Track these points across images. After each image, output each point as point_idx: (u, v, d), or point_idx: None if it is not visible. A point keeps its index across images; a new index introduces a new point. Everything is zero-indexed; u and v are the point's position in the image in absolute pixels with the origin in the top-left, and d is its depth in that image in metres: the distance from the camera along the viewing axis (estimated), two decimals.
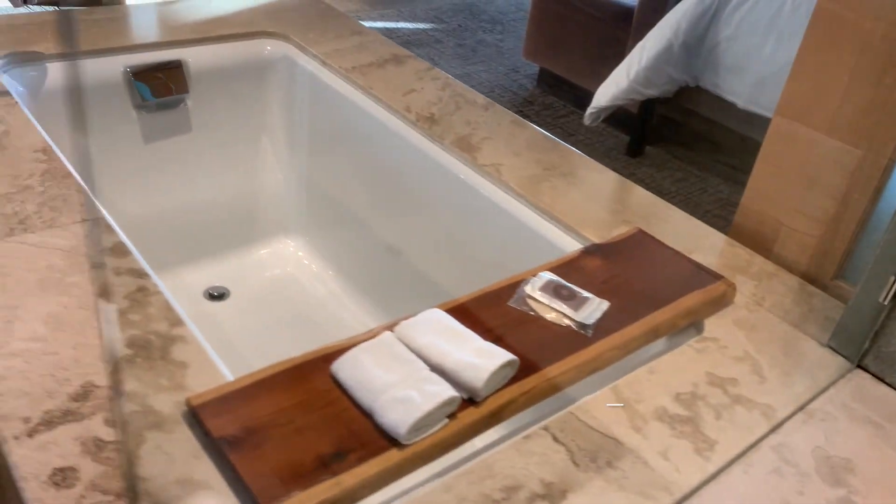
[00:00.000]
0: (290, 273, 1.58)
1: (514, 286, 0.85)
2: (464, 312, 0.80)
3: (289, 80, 1.52)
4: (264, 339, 1.44)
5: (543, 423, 0.72)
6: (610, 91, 2.31)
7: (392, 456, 0.63)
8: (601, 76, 2.44)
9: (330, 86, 1.42)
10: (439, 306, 0.79)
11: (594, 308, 0.82)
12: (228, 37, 1.47)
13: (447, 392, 0.66)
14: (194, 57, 1.43)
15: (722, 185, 2.51)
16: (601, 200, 1.10)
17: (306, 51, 1.47)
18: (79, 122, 1.33)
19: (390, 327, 0.75)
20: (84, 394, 0.66)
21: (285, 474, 0.60)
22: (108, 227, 0.89)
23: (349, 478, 0.60)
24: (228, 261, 1.58)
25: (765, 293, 0.95)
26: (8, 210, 0.88)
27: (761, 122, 2.15)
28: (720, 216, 2.31)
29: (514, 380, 0.72)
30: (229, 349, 1.38)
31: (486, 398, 0.69)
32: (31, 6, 1.22)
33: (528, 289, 0.84)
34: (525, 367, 0.73)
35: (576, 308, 0.82)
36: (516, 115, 1.31)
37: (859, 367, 0.86)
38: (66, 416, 0.64)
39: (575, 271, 0.89)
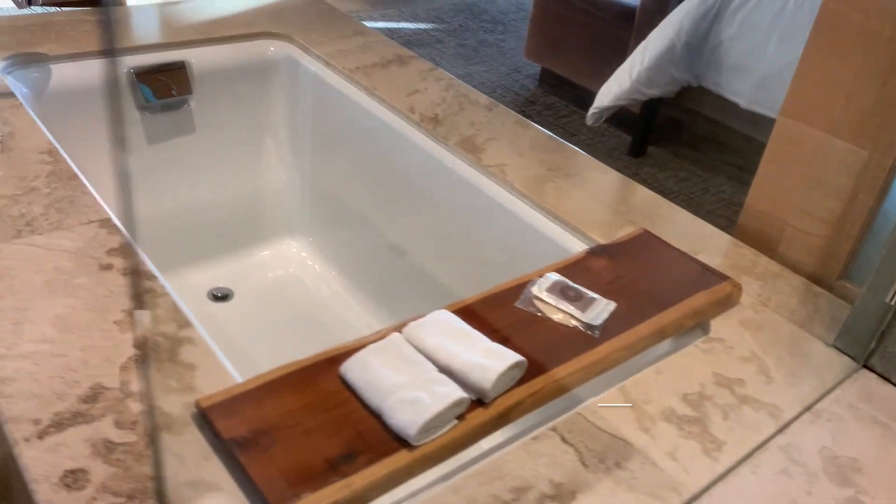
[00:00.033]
0: (294, 274, 1.58)
1: (520, 287, 0.85)
2: (471, 313, 0.80)
3: (292, 80, 1.52)
4: (268, 340, 1.44)
5: (551, 423, 0.72)
6: (612, 91, 2.31)
7: (402, 457, 0.63)
8: (603, 76, 2.44)
9: (333, 86, 1.42)
10: (446, 307, 0.79)
11: (601, 309, 0.82)
12: (231, 38, 1.47)
13: (456, 393, 0.66)
14: (198, 58, 1.43)
15: (724, 184, 2.51)
16: (605, 201, 1.10)
17: (309, 51, 1.47)
18: (83, 123, 1.33)
19: (398, 328, 0.75)
20: (93, 396, 0.66)
21: (295, 476, 0.60)
22: (115, 229, 0.89)
23: (359, 479, 0.60)
24: (232, 261, 1.58)
25: (770, 293, 0.95)
26: (14, 212, 0.89)
27: (764, 122, 2.15)
28: (723, 216, 2.31)
29: (522, 381, 0.72)
30: (233, 350, 1.38)
31: (495, 399, 0.69)
32: (33, 7, 1.22)
33: (534, 290, 0.84)
34: (533, 368, 0.73)
35: (583, 309, 0.82)
36: (520, 116, 1.31)
37: (865, 367, 0.86)
38: (76, 417, 0.64)
39: (581, 272, 0.89)
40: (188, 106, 1.45)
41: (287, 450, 0.62)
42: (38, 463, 0.60)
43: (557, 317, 0.81)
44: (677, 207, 1.11)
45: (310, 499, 0.59)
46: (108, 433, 0.63)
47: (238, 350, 1.39)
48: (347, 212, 1.51)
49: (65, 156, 1.02)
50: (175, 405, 0.67)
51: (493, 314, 0.80)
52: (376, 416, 0.66)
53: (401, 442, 0.64)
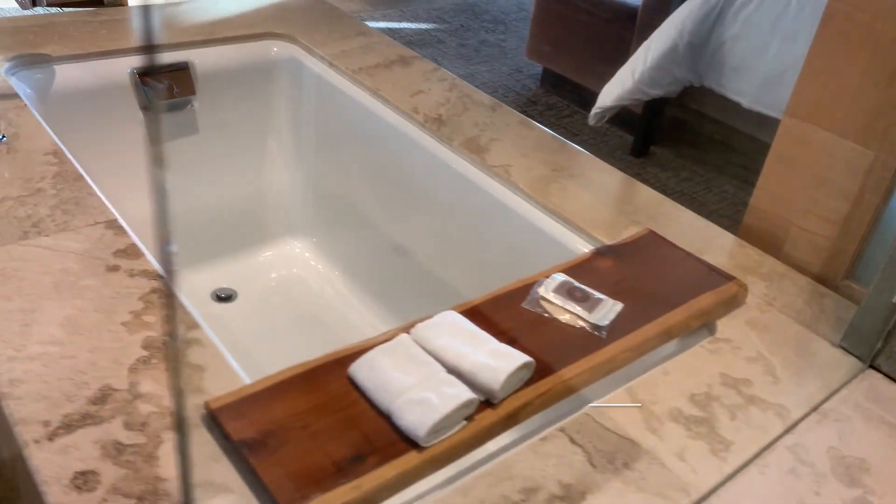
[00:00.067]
0: (297, 274, 1.58)
1: (527, 288, 0.85)
2: (478, 314, 0.80)
3: (295, 81, 1.52)
4: (273, 341, 1.44)
5: (559, 424, 0.72)
6: (615, 91, 2.31)
7: (411, 458, 0.63)
8: (605, 76, 2.44)
9: (337, 87, 1.42)
10: (454, 308, 0.79)
11: (608, 309, 0.82)
12: (234, 38, 1.47)
13: (465, 394, 0.66)
14: (201, 58, 1.43)
15: (727, 184, 2.51)
16: (610, 201, 1.10)
17: (313, 52, 1.47)
18: (87, 124, 1.33)
19: (406, 329, 0.75)
20: (102, 397, 0.66)
21: (305, 477, 0.60)
22: (121, 230, 0.89)
23: (368, 481, 0.60)
24: (235, 262, 1.58)
25: (776, 294, 0.95)
26: (21, 213, 0.89)
27: (766, 122, 2.15)
28: (725, 216, 2.31)
29: (530, 382, 0.72)
30: (237, 350, 1.38)
31: (503, 400, 0.69)
32: (36, 9, 1.22)
33: (541, 290, 0.84)
34: (540, 369, 0.73)
35: (590, 310, 0.82)
36: (523, 116, 1.31)
37: (872, 367, 0.86)
38: (85, 419, 0.64)
39: (587, 272, 0.90)
40: (191, 106, 1.45)
41: (296, 451, 0.62)
42: (49, 465, 0.60)
43: (564, 317, 0.81)
44: (682, 207, 1.11)
45: (319, 500, 0.59)
46: (118, 435, 0.63)
47: (242, 351, 1.39)
48: (351, 212, 1.51)
49: (70, 157, 1.02)
50: (184, 406, 0.67)
51: (500, 315, 0.80)
52: (385, 417, 0.66)
53: (410, 443, 0.64)
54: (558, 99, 3.00)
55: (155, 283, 0.81)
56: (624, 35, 2.61)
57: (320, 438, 0.64)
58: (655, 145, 2.70)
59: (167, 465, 0.61)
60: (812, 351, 0.87)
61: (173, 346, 0.33)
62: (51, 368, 0.68)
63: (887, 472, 0.72)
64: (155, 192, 0.30)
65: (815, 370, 0.84)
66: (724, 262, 0.99)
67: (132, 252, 0.85)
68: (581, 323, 0.80)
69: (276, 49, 1.51)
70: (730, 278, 0.92)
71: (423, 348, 0.72)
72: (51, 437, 0.62)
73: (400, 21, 3.60)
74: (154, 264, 0.84)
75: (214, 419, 0.65)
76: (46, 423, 0.63)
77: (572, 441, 0.70)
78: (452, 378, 0.68)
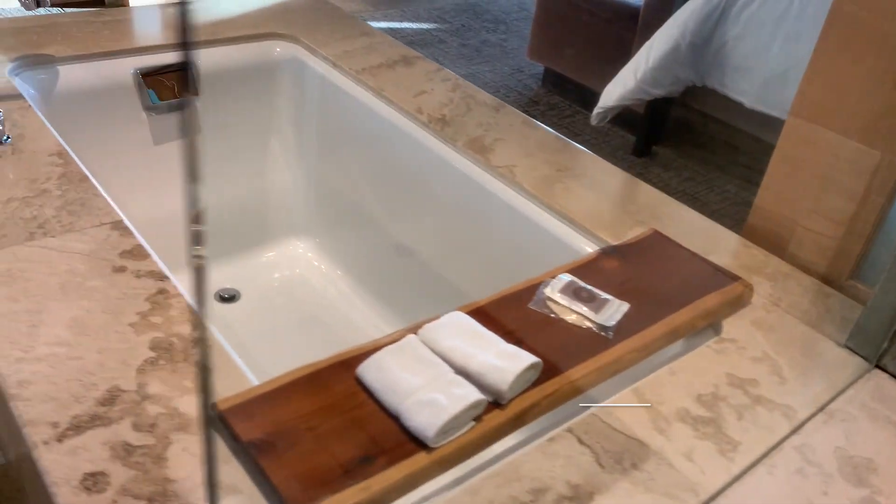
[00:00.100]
0: (300, 274, 1.58)
1: (533, 288, 0.85)
2: (484, 315, 0.80)
3: (298, 81, 1.52)
4: (276, 341, 1.44)
5: (567, 424, 0.72)
6: (617, 91, 2.31)
7: (420, 459, 0.63)
8: (606, 76, 2.44)
9: (340, 87, 1.42)
10: (460, 309, 0.79)
11: (614, 310, 0.82)
12: (237, 38, 1.47)
13: (474, 395, 0.66)
14: (204, 59, 1.43)
15: (728, 184, 2.51)
16: (614, 201, 1.10)
17: (316, 52, 1.47)
18: (91, 124, 1.33)
19: (413, 330, 0.75)
20: (111, 398, 0.66)
21: (314, 479, 0.60)
22: (127, 231, 0.89)
23: (378, 482, 0.60)
24: (238, 262, 1.58)
25: (781, 294, 0.95)
26: (27, 214, 0.89)
27: (769, 122, 2.15)
28: (728, 215, 2.32)
29: (537, 382, 0.72)
30: (242, 351, 1.38)
31: (511, 401, 0.69)
32: (39, 10, 1.22)
33: (547, 291, 0.84)
34: (547, 370, 0.73)
35: (596, 310, 0.82)
36: (527, 116, 1.31)
37: (878, 367, 0.86)
38: (94, 420, 0.64)
39: (593, 273, 0.90)
40: (195, 107, 1.45)
41: (305, 452, 0.62)
42: (58, 466, 0.60)
43: (571, 318, 0.81)
44: (686, 207, 1.11)
45: (328, 501, 0.59)
46: (127, 436, 0.63)
47: (246, 351, 1.40)
48: (354, 213, 1.51)
49: (74, 157, 1.02)
50: (191, 406, 0.67)
51: (506, 315, 0.80)
52: (393, 418, 0.66)
53: (418, 444, 0.64)
54: (560, 99, 3.00)
55: (161, 284, 0.81)
56: (626, 35, 2.61)
57: (328, 440, 0.64)
58: (657, 145, 2.70)
59: (176, 466, 0.61)
60: (818, 351, 0.87)
61: (202, 347, 0.33)
62: (58, 370, 0.68)
63: (894, 472, 0.72)
64: (188, 190, 0.30)
65: (821, 370, 0.84)
66: (729, 262, 0.99)
67: (138, 253, 0.85)
68: (588, 323, 0.80)
69: (279, 49, 1.51)
70: (735, 278, 0.92)
71: (431, 349, 0.72)
72: (60, 439, 0.62)
73: (401, 21, 3.60)
74: (160, 265, 0.84)
75: (223, 420, 0.65)
76: (55, 425, 0.63)
77: (580, 441, 0.70)
78: (461, 379, 0.68)
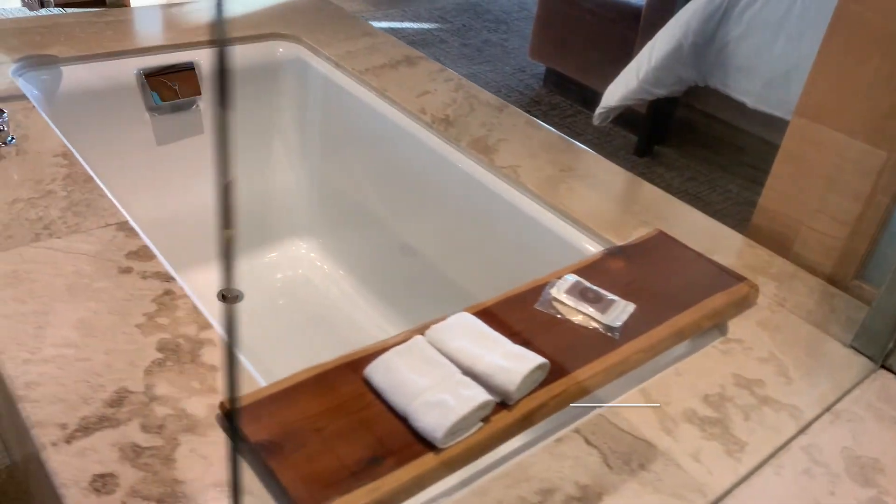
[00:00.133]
0: (303, 275, 1.58)
1: (539, 289, 0.85)
2: (491, 315, 0.80)
3: (301, 82, 1.52)
4: (279, 341, 1.44)
5: (574, 425, 0.72)
6: (619, 91, 2.31)
7: (428, 460, 0.63)
8: (608, 76, 2.44)
9: (343, 88, 1.42)
10: (466, 309, 0.79)
11: (620, 310, 0.82)
12: (240, 39, 1.47)
13: (482, 396, 0.66)
14: (207, 59, 1.43)
15: (730, 183, 2.51)
16: (618, 201, 1.10)
17: (319, 53, 1.47)
18: (95, 125, 1.33)
19: (420, 331, 0.75)
20: (119, 399, 0.66)
21: (323, 480, 0.60)
22: (132, 231, 0.89)
23: (387, 483, 0.60)
24: (241, 263, 1.58)
25: (786, 294, 0.95)
26: (32, 215, 0.89)
27: (771, 121, 2.15)
28: (729, 215, 2.32)
29: (544, 383, 0.72)
30: (245, 351, 1.38)
31: (518, 401, 0.69)
32: (43, 10, 1.22)
33: (553, 291, 0.84)
34: (554, 370, 0.73)
35: (602, 311, 0.82)
36: (530, 116, 1.31)
37: (883, 367, 0.86)
38: (102, 422, 0.64)
39: (599, 273, 0.90)
40: (197, 107, 1.45)
41: (314, 454, 0.62)
42: (67, 467, 0.60)
43: (577, 318, 0.81)
44: (690, 207, 1.11)
45: (338, 503, 0.59)
46: (135, 437, 0.63)
47: (249, 351, 1.39)
48: (357, 213, 1.51)
49: (79, 158, 1.02)
50: (199, 407, 0.67)
51: (513, 316, 0.80)
52: (401, 418, 0.66)
53: (426, 445, 0.64)
54: (562, 98, 3.00)
55: (167, 285, 0.81)
56: (628, 35, 2.61)
57: (337, 441, 0.64)
58: (659, 145, 2.70)
59: (185, 467, 0.61)
60: (823, 351, 0.87)
61: (230, 342, 0.33)
62: (66, 371, 0.68)
63: None
64: (220, 180, 0.30)
65: (826, 370, 0.84)
66: (733, 263, 0.99)
67: (144, 254, 0.85)
68: (594, 324, 0.80)
69: (282, 50, 1.51)
70: (741, 279, 0.92)
71: (438, 350, 0.72)
72: (68, 440, 0.62)
73: (402, 21, 3.60)
74: (166, 266, 0.84)
75: (231, 421, 0.65)
76: (64, 426, 0.63)
77: (588, 442, 0.70)
78: (468, 380, 0.68)
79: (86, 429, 0.63)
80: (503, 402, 0.69)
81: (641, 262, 0.93)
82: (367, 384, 0.69)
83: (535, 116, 1.32)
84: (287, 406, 0.66)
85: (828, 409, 0.79)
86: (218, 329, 0.78)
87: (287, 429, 0.64)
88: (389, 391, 0.67)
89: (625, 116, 2.54)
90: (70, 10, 1.56)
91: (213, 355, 0.73)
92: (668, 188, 2.44)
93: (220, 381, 0.71)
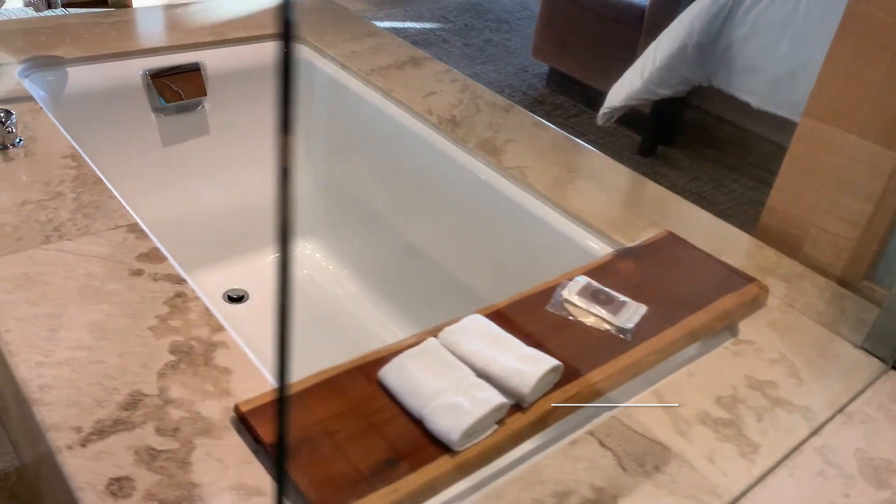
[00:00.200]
0: (309, 275, 1.58)
1: (550, 290, 0.85)
2: (502, 317, 0.80)
3: (306, 82, 1.52)
4: None
5: (588, 427, 0.72)
6: (623, 91, 2.31)
7: (444, 463, 0.63)
8: (612, 76, 2.44)
9: (350, 88, 1.42)
10: (478, 311, 0.79)
11: (632, 312, 0.82)
12: (245, 39, 1.47)
13: (497, 398, 0.66)
14: (212, 59, 1.43)
15: (735, 183, 2.51)
16: (626, 202, 1.10)
17: (324, 53, 1.47)
18: (102, 126, 1.33)
19: (434, 333, 0.75)
20: (133, 402, 0.66)
21: (339, 482, 0.60)
22: (143, 233, 0.89)
23: (403, 485, 0.60)
24: (246, 263, 1.58)
25: (796, 295, 0.95)
26: (42, 217, 0.88)
27: (775, 122, 2.15)
28: (735, 215, 2.31)
29: (558, 385, 0.72)
30: (252, 351, 1.38)
31: (533, 404, 0.69)
32: (48, 11, 1.21)
33: (565, 293, 0.84)
34: (568, 373, 0.73)
35: (614, 312, 0.82)
36: (536, 117, 1.31)
37: (894, 368, 0.86)
38: (117, 425, 0.64)
39: (609, 275, 0.89)
40: (202, 108, 1.45)
41: (330, 456, 0.62)
42: (83, 471, 0.60)
43: (589, 320, 0.81)
44: (697, 208, 1.11)
45: None
46: (150, 440, 0.63)
47: (257, 351, 1.39)
48: (363, 214, 1.51)
49: (87, 160, 1.01)
50: (213, 409, 0.67)
51: (524, 318, 0.80)
52: (416, 421, 0.66)
53: (441, 448, 0.64)
54: (565, 98, 3.00)
55: (179, 287, 0.81)
56: (631, 35, 2.61)
57: (352, 443, 0.64)
58: (663, 145, 2.70)
59: (200, 470, 0.61)
60: (834, 352, 0.87)
61: (283, 331, 0.33)
62: (80, 374, 0.68)
63: None
64: (280, 171, 0.30)
65: (838, 372, 0.84)
66: (742, 264, 0.99)
67: (154, 256, 0.85)
68: (606, 326, 0.80)
69: None
70: (751, 280, 0.92)
71: (452, 352, 0.72)
72: (84, 443, 0.62)
73: (404, 21, 3.60)
74: (176, 268, 0.84)
75: (244, 422, 0.65)
76: (79, 429, 0.63)
77: (602, 444, 0.70)
78: (483, 382, 0.68)
79: (101, 432, 0.63)
80: (517, 405, 0.69)
81: (651, 263, 0.93)
82: (381, 387, 0.69)
83: (539, 116, 1.32)
84: (300, 408, 0.66)
85: (840, 411, 0.79)
86: (231, 331, 0.78)
87: (301, 431, 0.64)
88: (404, 394, 0.67)
89: (628, 116, 2.54)
90: (74, 11, 1.56)
91: (227, 357, 0.73)
92: (673, 188, 2.44)
93: (233, 383, 0.71)
